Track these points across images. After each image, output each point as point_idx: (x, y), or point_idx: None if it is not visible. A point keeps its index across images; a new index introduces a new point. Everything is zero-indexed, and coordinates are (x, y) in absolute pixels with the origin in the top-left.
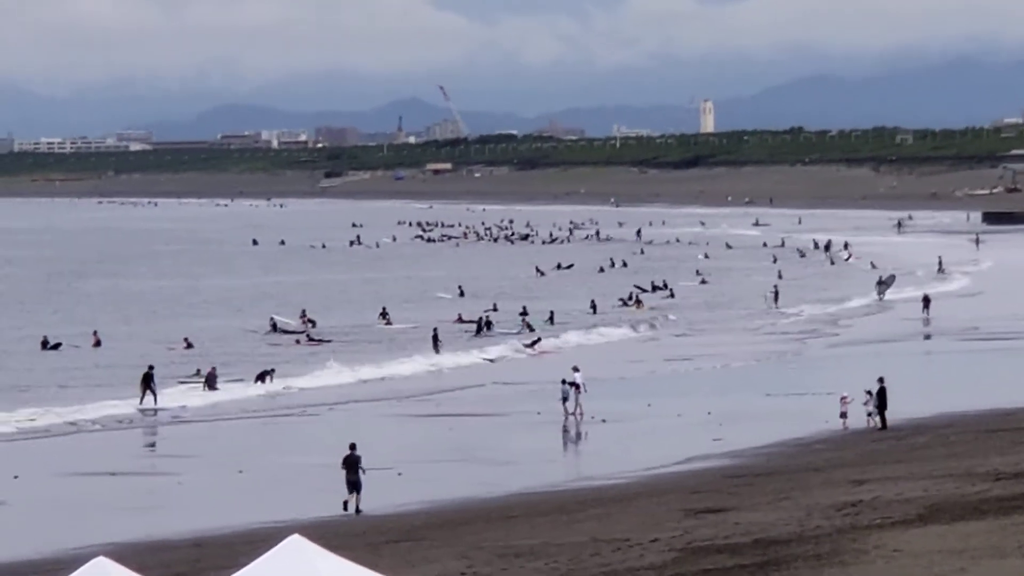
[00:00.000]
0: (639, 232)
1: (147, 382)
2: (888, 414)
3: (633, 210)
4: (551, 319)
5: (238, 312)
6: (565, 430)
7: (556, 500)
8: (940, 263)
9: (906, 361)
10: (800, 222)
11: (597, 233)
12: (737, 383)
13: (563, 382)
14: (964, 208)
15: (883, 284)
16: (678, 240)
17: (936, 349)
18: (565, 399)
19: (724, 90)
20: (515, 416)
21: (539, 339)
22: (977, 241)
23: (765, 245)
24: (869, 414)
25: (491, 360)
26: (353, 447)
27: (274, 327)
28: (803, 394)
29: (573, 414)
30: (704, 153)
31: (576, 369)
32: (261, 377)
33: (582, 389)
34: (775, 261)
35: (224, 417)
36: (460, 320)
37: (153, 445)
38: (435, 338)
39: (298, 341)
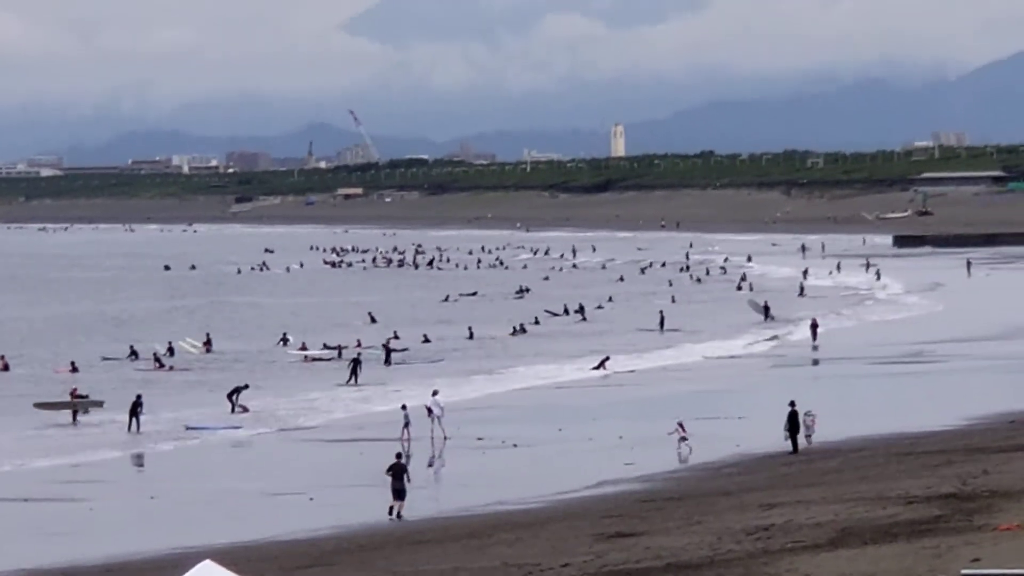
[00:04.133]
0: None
1: (134, 410)
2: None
3: (544, 234)
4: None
5: (137, 337)
6: (398, 456)
7: (468, 525)
8: (801, 288)
9: (813, 385)
10: (692, 246)
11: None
12: (648, 408)
13: (403, 407)
14: (876, 231)
15: (766, 308)
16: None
17: (843, 373)
18: (407, 424)
19: (635, 114)
20: (427, 441)
21: (608, 358)
22: (867, 266)
23: (662, 265)
24: (808, 436)
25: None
26: (399, 456)
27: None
28: (713, 418)
29: (432, 438)
30: (615, 177)
31: (435, 393)
32: (231, 395)
33: (440, 414)
34: (671, 284)
35: (134, 444)
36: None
37: (64, 471)
38: (354, 367)
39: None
